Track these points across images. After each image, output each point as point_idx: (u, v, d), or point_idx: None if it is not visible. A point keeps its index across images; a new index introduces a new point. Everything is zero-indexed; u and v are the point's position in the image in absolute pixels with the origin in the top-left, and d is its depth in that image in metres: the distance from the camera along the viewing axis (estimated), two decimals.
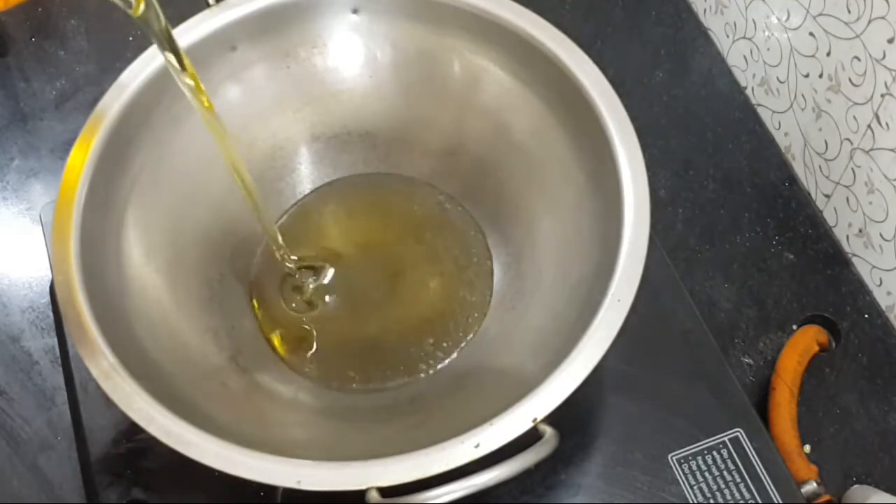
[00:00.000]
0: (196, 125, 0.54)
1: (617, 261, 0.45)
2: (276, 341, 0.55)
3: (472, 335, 0.54)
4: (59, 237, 0.46)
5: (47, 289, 0.63)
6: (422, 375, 0.53)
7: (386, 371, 0.53)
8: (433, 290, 0.56)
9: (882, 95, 0.57)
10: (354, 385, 0.53)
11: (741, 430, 0.52)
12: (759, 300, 0.64)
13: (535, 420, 0.41)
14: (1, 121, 0.72)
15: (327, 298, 0.56)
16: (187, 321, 0.51)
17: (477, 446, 0.40)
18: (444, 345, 0.54)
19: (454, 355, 0.53)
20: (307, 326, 0.55)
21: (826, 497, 0.54)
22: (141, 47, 0.51)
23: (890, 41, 0.56)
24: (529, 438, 0.41)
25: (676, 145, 0.71)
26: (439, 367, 0.53)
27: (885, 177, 0.59)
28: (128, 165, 0.51)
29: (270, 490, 0.46)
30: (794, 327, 0.62)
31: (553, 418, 0.41)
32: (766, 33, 0.68)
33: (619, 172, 0.47)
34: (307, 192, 0.59)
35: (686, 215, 0.67)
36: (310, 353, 0.54)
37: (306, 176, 0.59)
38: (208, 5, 0.53)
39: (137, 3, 0.41)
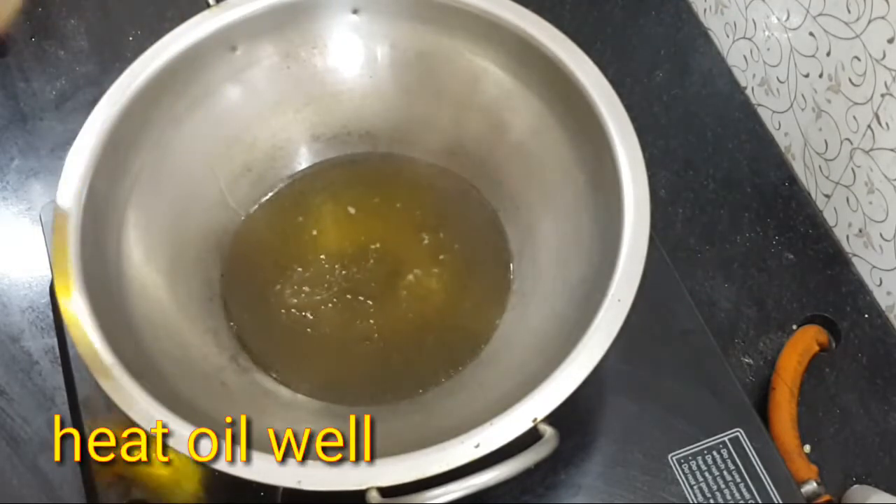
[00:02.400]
0: (196, 125, 0.54)
1: (617, 261, 0.45)
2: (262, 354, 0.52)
3: (480, 355, 0.52)
4: (59, 237, 0.46)
5: (47, 289, 0.63)
6: (433, 386, 0.52)
7: (389, 393, 0.51)
8: (441, 302, 0.54)
9: (882, 95, 0.57)
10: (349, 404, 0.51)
11: (741, 430, 0.52)
12: (759, 300, 0.64)
13: (535, 420, 0.41)
14: (1, 121, 0.72)
15: (327, 307, 0.54)
16: (187, 321, 0.51)
17: (477, 446, 0.40)
18: (451, 371, 0.52)
19: (459, 373, 0.52)
20: (305, 341, 0.53)
21: (826, 497, 0.54)
22: (141, 47, 0.51)
23: (890, 41, 0.55)
24: (529, 438, 0.41)
25: (676, 145, 0.70)
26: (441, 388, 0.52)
27: (885, 177, 0.59)
28: (128, 165, 0.51)
29: (270, 490, 0.46)
30: (794, 327, 0.62)
31: (553, 418, 0.41)
32: (766, 33, 0.68)
33: (619, 172, 0.47)
34: (307, 190, 0.59)
35: (686, 215, 0.67)
36: (304, 374, 0.52)
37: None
38: (208, 5, 0.53)
39: None
